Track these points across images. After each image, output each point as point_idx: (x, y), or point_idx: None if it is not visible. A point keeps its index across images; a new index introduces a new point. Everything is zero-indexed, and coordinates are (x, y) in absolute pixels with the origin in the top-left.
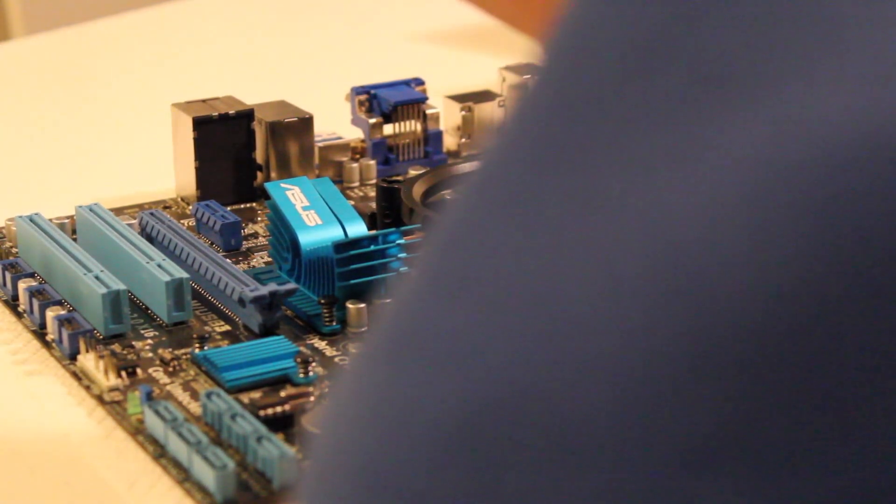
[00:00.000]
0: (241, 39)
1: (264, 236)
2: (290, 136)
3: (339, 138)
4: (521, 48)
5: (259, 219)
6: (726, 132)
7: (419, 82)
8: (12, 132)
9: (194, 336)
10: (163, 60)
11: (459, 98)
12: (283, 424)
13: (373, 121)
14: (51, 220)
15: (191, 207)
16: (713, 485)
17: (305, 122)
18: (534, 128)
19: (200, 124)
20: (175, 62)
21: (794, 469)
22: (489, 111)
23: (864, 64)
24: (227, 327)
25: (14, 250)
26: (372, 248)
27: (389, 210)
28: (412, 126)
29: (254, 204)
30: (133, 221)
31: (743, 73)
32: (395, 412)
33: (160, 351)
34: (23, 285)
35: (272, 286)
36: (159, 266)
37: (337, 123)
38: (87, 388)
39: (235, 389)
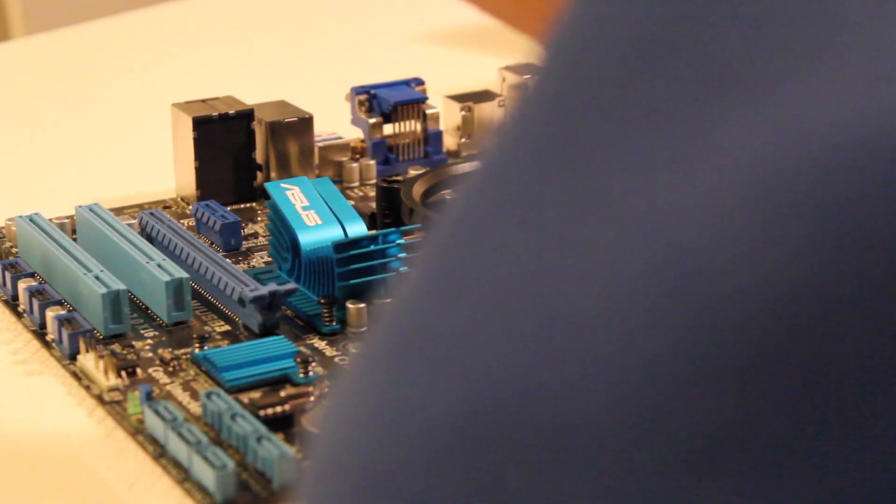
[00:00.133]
0: (241, 39)
1: (264, 236)
2: (290, 136)
3: (339, 138)
4: (521, 48)
5: (259, 219)
6: (727, 132)
7: (419, 82)
8: (12, 132)
9: (194, 336)
10: (163, 60)
11: (459, 98)
12: (283, 424)
13: (373, 121)
14: (51, 220)
15: (191, 207)
16: (714, 486)
17: (305, 122)
18: (534, 128)
19: (200, 124)
20: (175, 62)
21: (795, 470)
22: (489, 111)
23: (865, 64)
24: (227, 327)
25: (14, 250)
26: (372, 248)
27: (389, 210)
28: (412, 126)
29: (254, 204)
30: (133, 221)
31: (744, 73)
32: (395, 412)
33: (160, 351)
34: (23, 285)
35: (272, 286)
36: (159, 266)
37: (337, 123)
38: (87, 388)
39: (235, 389)
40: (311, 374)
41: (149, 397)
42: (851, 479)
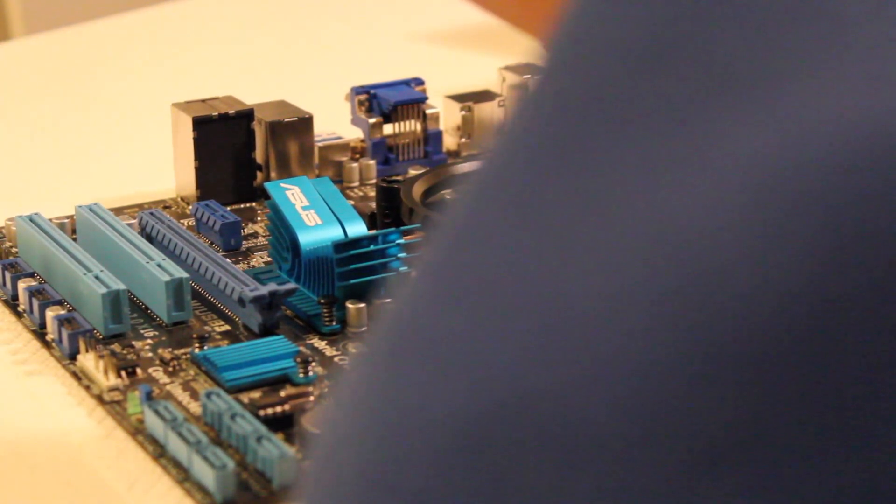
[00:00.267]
0: (241, 39)
1: (264, 236)
2: (290, 136)
3: (339, 138)
4: (521, 48)
5: (259, 219)
6: (731, 132)
7: (419, 82)
8: (12, 132)
9: (194, 336)
10: (163, 60)
11: (459, 98)
12: (282, 424)
13: (372, 121)
14: (51, 219)
15: (191, 207)
16: (716, 486)
17: (305, 122)
18: (536, 128)
19: (200, 124)
20: (175, 62)
21: (796, 470)
22: (489, 111)
23: (869, 64)
24: (227, 327)
25: (14, 250)
26: (372, 247)
27: (389, 210)
28: (412, 126)
29: (254, 204)
30: (133, 221)
31: (746, 73)
32: (397, 413)
33: (160, 351)
34: (23, 285)
35: (272, 286)
36: (159, 266)
37: (337, 123)
38: (87, 387)
39: (235, 389)
40: (311, 374)
41: (149, 397)
42: (852, 479)
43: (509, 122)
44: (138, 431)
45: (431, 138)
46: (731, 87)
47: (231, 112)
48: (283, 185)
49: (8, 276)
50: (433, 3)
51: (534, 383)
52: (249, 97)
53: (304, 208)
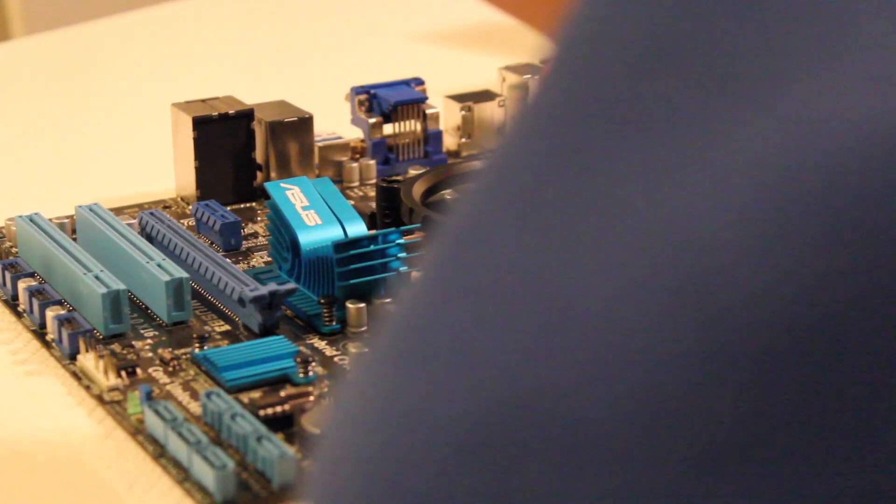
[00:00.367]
0: (241, 39)
1: (264, 236)
2: (290, 136)
3: (339, 138)
4: (521, 48)
5: (259, 219)
6: (733, 132)
7: (419, 82)
8: (12, 132)
9: (194, 336)
10: (163, 60)
11: (459, 98)
12: (282, 424)
13: (373, 120)
14: (51, 219)
15: (191, 207)
16: (721, 486)
17: (305, 122)
18: (540, 128)
19: (200, 124)
20: (175, 62)
21: (800, 470)
22: (489, 111)
23: (871, 63)
24: (227, 327)
25: (14, 250)
26: (372, 247)
27: (389, 210)
28: (412, 126)
29: (254, 204)
30: (133, 221)
31: (750, 72)
32: (403, 414)
33: (160, 351)
34: (23, 285)
35: (272, 286)
36: (159, 266)
37: (337, 123)
38: (87, 387)
39: (235, 389)
40: (311, 374)
41: (149, 397)
42: (854, 479)
43: (512, 122)
44: (138, 431)
45: (431, 138)
46: (732, 87)
47: (231, 112)
48: (283, 185)
49: (8, 276)
50: (433, 3)
51: (535, 383)
52: (249, 97)
53: (304, 208)
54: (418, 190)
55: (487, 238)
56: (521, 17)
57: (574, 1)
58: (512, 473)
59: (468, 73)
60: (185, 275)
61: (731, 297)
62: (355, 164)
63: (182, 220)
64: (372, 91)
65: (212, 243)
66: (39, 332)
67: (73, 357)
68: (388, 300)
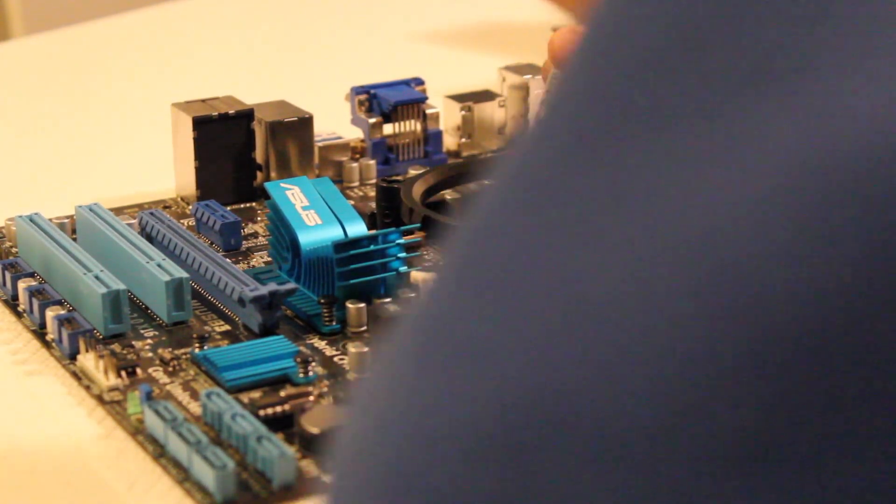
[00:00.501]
0: (241, 39)
1: (264, 236)
2: (290, 136)
3: (339, 138)
4: (521, 48)
5: (259, 219)
6: (763, 127)
7: (419, 82)
8: (12, 132)
9: (194, 336)
10: (163, 60)
11: (459, 98)
12: (282, 424)
13: (373, 120)
14: (51, 219)
15: (191, 207)
16: (752, 482)
17: (305, 122)
18: (564, 120)
19: (200, 124)
20: (175, 62)
21: (829, 468)
22: (489, 111)
23: None
24: (227, 327)
25: (14, 250)
26: (372, 247)
27: (389, 210)
28: (412, 126)
29: (254, 204)
30: (133, 221)
31: (781, 67)
32: (423, 414)
33: (160, 351)
34: (23, 285)
35: (272, 286)
36: (159, 266)
37: (337, 123)
38: (87, 387)
39: (235, 389)
40: (310, 373)
41: (149, 397)
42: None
43: (539, 112)
44: (138, 431)
45: (431, 138)
46: (759, 82)
47: (231, 112)
48: (283, 185)
49: (8, 276)
50: (433, 3)
51: (559, 381)
52: (249, 97)
53: (304, 208)
54: (418, 190)
55: (506, 234)
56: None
57: None
58: (536, 472)
59: (468, 73)
60: (185, 275)
61: (760, 293)
62: (355, 164)
63: (182, 220)
64: (372, 91)
65: (212, 243)
66: (39, 332)
67: (73, 357)
68: (388, 300)
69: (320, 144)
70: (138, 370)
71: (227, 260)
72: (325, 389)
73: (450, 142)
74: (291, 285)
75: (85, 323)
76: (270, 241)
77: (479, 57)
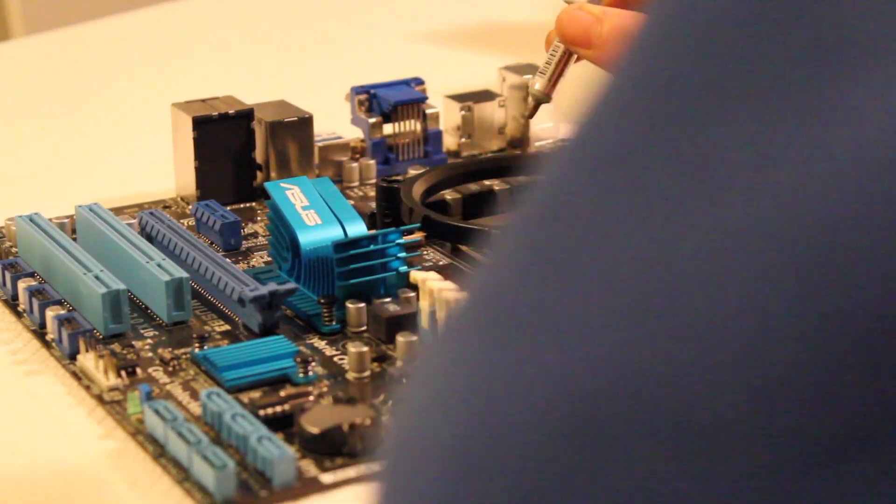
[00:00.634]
0: (241, 39)
1: (264, 236)
2: (290, 136)
3: (339, 138)
4: (521, 48)
5: (259, 219)
6: (859, 97)
7: (419, 82)
8: (12, 132)
9: (194, 336)
10: (163, 60)
11: (459, 98)
12: (282, 424)
13: (372, 120)
14: (51, 219)
15: (191, 207)
16: (838, 483)
17: (305, 122)
18: (641, 90)
19: (200, 124)
20: (175, 62)
21: None
22: (489, 111)
23: None
24: (227, 327)
25: (14, 250)
26: (371, 247)
27: (389, 210)
28: (412, 126)
29: (254, 204)
30: (133, 221)
31: (875, 37)
32: (496, 388)
33: (160, 350)
34: (23, 285)
35: (272, 286)
36: (159, 266)
37: (337, 123)
38: (87, 387)
39: (235, 389)
40: (310, 373)
41: (149, 397)
42: None
43: (609, 86)
44: (138, 431)
45: (431, 138)
46: (857, 51)
47: (231, 112)
48: (283, 185)
49: (8, 275)
50: (433, 3)
51: (649, 363)
52: (249, 97)
53: (304, 208)
54: (418, 190)
55: (587, 208)
56: None
57: None
58: (611, 457)
59: (468, 73)
60: (185, 275)
61: (870, 274)
62: (355, 164)
63: (182, 220)
64: (372, 91)
65: (212, 243)
66: (39, 332)
67: (73, 357)
68: (388, 300)
69: (320, 144)
70: (138, 370)
71: (227, 260)
72: (325, 389)
73: (450, 142)
74: (291, 285)
75: (85, 323)
76: (270, 241)
77: (479, 57)
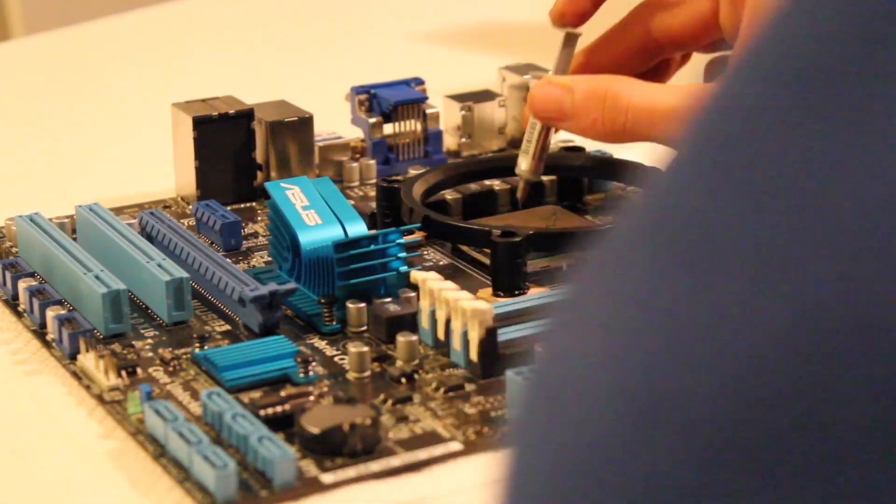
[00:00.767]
0: (241, 39)
1: (264, 236)
2: (290, 136)
3: (339, 138)
4: (521, 48)
5: (259, 218)
6: None
7: (419, 82)
8: (12, 132)
9: (194, 336)
10: (163, 60)
11: (459, 98)
12: (283, 424)
13: (373, 120)
14: (51, 219)
15: (191, 207)
16: None
17: (305, 122)
18: (774, 79)
19: (200, 124)
20: (175, 62)
21: None
22: (489, 111)
23: None
24: (227, 327)
25: (14, 250)
26: (372, 247)
27: (389, 210)
28: (412, 126)
29: (254, 204)
30: (133, 221)
31: None
32: (699, 329)
33: (160, 350)
34: (23, 285)
35: (272, 286)
36: (159, 266)
37: (337, 123)
38: (87, 387)
39: (235, 389)
40: (311, 373)
41: (149, 397)
42: None
43: (728, 73)
44: (138, 431)
45: (431, 138)
46: None
47: (231, 112)
48: (283, 184)
49: (8, 275)
50: (433, 3)
51: (878, 301)
52: (249, 97)
53: (304, 208)
54: (418, 190)
55: (789, 136)
56: None
57: None
58: (773, 468)
59: (468, 73)
60: (185, 275)
61: None
62: (355, 164)
63: (182, 220)
64: (372, 91)
65: (212, 243)
66: (39, 332)
67: (73, 357)
68: (388, 300)
69: (320, 144)
70: (138, 370)
71: (228, 260)
72: (326, 389)
73: (450, 142)
74: (291, 285)
75: (85, 323)
76: (270, 241)
77: (479, 57)
